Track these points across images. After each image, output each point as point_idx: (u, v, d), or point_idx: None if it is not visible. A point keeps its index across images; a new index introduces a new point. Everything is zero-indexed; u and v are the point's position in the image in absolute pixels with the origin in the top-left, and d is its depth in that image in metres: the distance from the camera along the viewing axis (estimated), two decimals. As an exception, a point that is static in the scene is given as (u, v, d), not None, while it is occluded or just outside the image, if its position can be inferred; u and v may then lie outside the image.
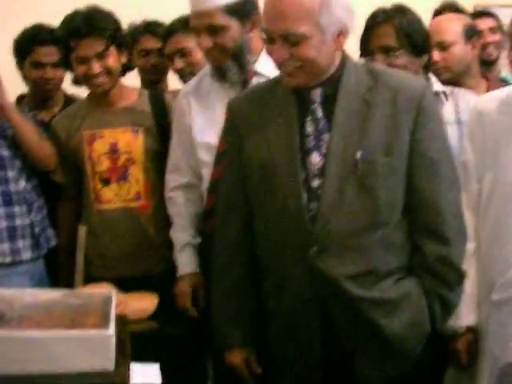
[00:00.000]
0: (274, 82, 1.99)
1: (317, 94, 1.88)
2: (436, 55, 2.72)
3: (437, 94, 2.52)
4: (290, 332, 1.95)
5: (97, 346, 1.64)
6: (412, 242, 1.92)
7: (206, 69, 2.48)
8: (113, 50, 2.54)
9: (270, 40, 1.82)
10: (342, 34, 1.83)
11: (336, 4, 1.78)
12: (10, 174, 2.56)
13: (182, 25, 2.78)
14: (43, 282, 2.65)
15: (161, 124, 2.60)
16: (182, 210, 2.52)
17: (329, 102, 1.88)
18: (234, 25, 2.28)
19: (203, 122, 2.43)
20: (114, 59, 2.55)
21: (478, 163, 2.07)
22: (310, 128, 1.88)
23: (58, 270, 2.77)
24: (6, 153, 2.56)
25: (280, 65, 1.85)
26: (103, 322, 1.74)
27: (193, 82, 2.53)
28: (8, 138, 2.59)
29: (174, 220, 2.54)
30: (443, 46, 2.76)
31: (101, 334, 1.66)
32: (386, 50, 2.41)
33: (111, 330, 1.68)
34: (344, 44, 1.87)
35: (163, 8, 3.40)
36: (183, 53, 2.85)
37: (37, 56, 2.91)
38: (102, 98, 2.63)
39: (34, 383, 1.60)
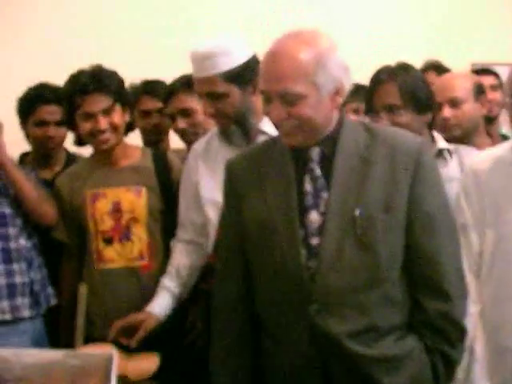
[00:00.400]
0: (272, 142, 2.00)
1: (315, 153, 1.88)
2: (447, 112, 2.73)
3: (441, 151, 2.53)
4: None
5: (97, 409, 1.62)
6: (412, 298, 1.90)
7: (215, 129, 2.51)
8: (118, 107, 2.57)
9: (268, 100, 1.83)
10: (338, 92, 1.83)
11: (332, 63, 1.79)
12: (11, 231, 2.56)
13: (184, 84, 2.80)
14: (42, 341, 2.63)
15: (164, 182, 2.61)
16: (174, 259, 2.52)
17: (327, 161, 1.87)
18: (234, 91, 2.31)
19: (210, 180, 2.43)
20: (119, 116, 2.57)
21: (478, 222, 2.05)
22: (308, 186, 1.88)
23: (58, 329, 2.74)
24: (7, 210, 2.57)
25: (278, 124, 1.85)
26: (104, 383, 1.72)
27: (202, 142, 2.55)
28: (10, 196, 2.60)
29: (166, 268, 2.54)
30: (455, 103, 2.75)
31: (102, 397, 1.64)
32: (390, 109, 2.43)
33: (112, 392, 1.65)
34: (340, 102, 1.87)
35: (164, 66, 3.42)
36: (186, 113, 2.85)
37: (40, 114, 2.95)
38: (105, 157, 2.64)
39: None
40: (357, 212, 1.82)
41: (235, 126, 2.35)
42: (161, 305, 2.46)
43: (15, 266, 2.55)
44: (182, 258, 2.52)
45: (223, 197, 2.05)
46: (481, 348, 2.01)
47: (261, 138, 2.35)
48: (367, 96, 2.51)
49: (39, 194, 2.65)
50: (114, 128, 2.56)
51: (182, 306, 2.68)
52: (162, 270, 2.59)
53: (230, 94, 2.30)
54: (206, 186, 2.44)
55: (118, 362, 2.15)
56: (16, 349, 2.02)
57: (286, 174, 1.90)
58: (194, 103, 2.76)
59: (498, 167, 2.05)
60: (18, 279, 2.55)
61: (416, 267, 1.88)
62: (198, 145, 2.56)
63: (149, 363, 2.38)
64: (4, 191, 2.59)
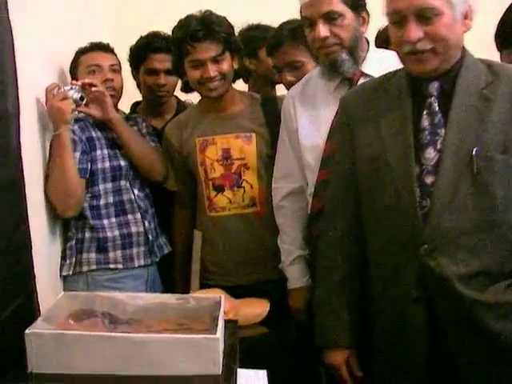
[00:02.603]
0: (386, 79, 1.97)
1: (434, 87, 1.83)
2: None
3: None
4: (394, 333, 1.89)
5: (203, 350, 1.64)
6: None
7: (313, 72, 2.45)
8: (227, 54, 2.54)
9: (401, 21, 1.77)
10: (467, 15, 1.79)
11: None
12: (123, 183, 2.61)
13: (290, 36, 2.69)
14: (157, 286, 2.68)
15: (273, 128, 2.56)
16: (291, 220, 2.48)
17: (446, 96, 1.83)
18: (349, 14, 2.23)
19: (309, 124, 2.38)
20: (228, 64, 2.55)
21: None
22: (425, 122, 1.83)
23: (172, 276, 2.79)
24: (122, 162, 2.61)
25: (410, 49, 1.78)
26: (211, 327, 1.73)
27: (299, 84, 2.49)
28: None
29: (283, 230, 2.50)
30: None
31: (207, 338, 1.65)
32: None
33: (218, 334, 1.66)
34: (470, 27, 1.81)
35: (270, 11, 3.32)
36: (294, 66, 2.74)
37: (151, 63, 2.96)
38: (213, 104, 2.63)
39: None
40: (474, 151, 1.76)
41: (346, 54, 2.26)
42: (305, 275, 2.46)
43: (130, 217, 2.60)
44: (298, 217, 2.47)
45: (335, 134, 2.03)
46: None
47: (362, 81, 2.27)
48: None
49: (148, 150, 2.68)
50: (222, 76, 2.53)
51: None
52: (272, 217, 2.57)
53: (346, 15, 2.22)
54: (305, 131, 2.38)
55: (230, 308, 2.19)
56: (130, 293, 2.07)
57: (402, 108, 1.87)
58: (302, 57, 2.69)
59: None
60: (133, 229, 2.60)
61: None
62: (294, 90, 2.49)
63: (259, 309, 2.39)
64: (118, 144, 2.63)
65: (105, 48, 2.68)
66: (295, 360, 2.31)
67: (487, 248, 1.78)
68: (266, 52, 2.78)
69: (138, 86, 3.11)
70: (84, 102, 2.46)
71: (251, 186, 2.60)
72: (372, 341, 1.97)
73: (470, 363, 1.80)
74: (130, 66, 3.05)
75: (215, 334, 1.66)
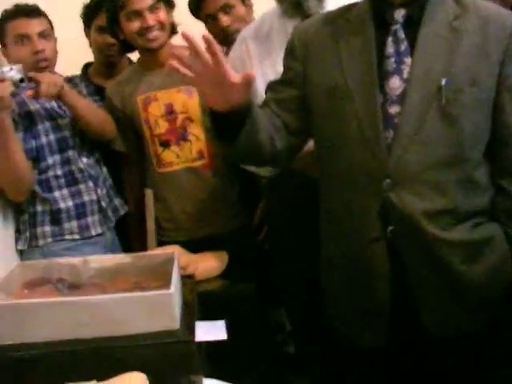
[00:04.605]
0: (347, 9, 1.85)
1: (400, 15, 1.74)
2: None
3: None
4: (353, 274, 1.82)
5: (158, 307, 1.64)
6: (495, 185, 1.78)
7: (266, 15, 2.41)
8: (162, 5, 2.52)
9: None
10: None
11: None
12: (71, 153, 2.56)
13: None
14: (115, 249, 2.66)
15: None
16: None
17: (412, 26, 1.74)
18: None
19: (265, 68, 2.32)
20: (164, 14, 2.52)
21: None
22: (390, 49, 1.73)
23: (129, 236, 2.78)
24: (67, 133, 2.56)
25: None
26: (166, 283, 1.73)
27: (249, 28, 2.45)
28: (68, 117, 2.58)
29: None
30: None
31: (161, 294, 1.65)
32: None
33: (172, 289, 1.67)
34: None
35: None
36: (226, 9, 2.71)
37: (101, 20, 2.86)
38: (152, 60, 2.59)
39: (99, 346, 1.62)
40: (443, 81, 1.68)
41: None
42: None
43: (81, 186, 2.57)
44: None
45: (283, 62, 1.92)
46: None
47: None
48: None
49: (97, 112, 2.63)
50: (161, 25, 2.51)
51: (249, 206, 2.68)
52: (223, 168, 2.58)
53: None
54: (262, 76, 2.29)
55: (187, 263, 2.20)
56: (83, 257, 2.06)
57: (365, 35, 1.76)
58: None
59: None
60: (86, 198, 2.57)
61: (502, 150, 1.76)
62: (246, 31, 2.45)
63: (218, 262, 2.39)
64: (62, 113, 2.58)
65: (31, 13, 2.54)
66: (256, 311, 2.33)
67: (453, 185, 1.72)
68: (191, 8, 2.76)
69: (91, 45, 3.04)
70: (24, 84, 2.36)
71: (198, 139, 2.58)
72: (326, 283, 1.94)
73: (432, 302, 1.76)
74: (83, 23, 3.00)
75: (169, 289, 1.67)
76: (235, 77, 1.63)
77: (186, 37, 1.57)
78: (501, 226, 1.78)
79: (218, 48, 1.60)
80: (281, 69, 1.94)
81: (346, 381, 2.04)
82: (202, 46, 1.59)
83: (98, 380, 1.52)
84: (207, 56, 1.59)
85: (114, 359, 1.59)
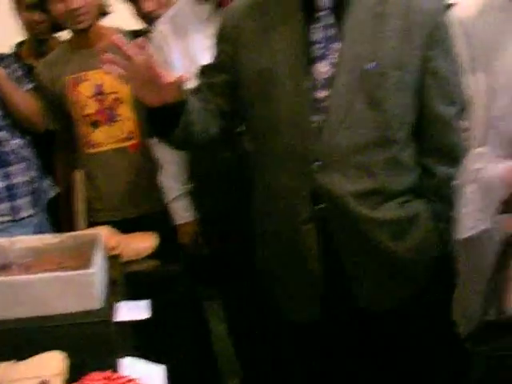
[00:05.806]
0: None
1: (327, 0, 1.75)
2: None
3: None
4: (285, 254, 1.86)
5: (80, 286, 1.64)
6: (421, 164, 1.84)
7: (178, 4, 2.42)
8: None
9: None
10: None
11: None
12: (2, 134, 2.53)
13: None
14: (46, 230, 2.63)
15: None
16: (172, 155, 2.44)
17: (339, 11, 1.75)
18: None
19: (185, 57, 2.34)
20: None
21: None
22: (320, 35, 1.76)
23: (59, 218, 2.77)
24: None
25: None
26: (89, 263, 1.74)
27: (166, 17, 2.43)
28: None
29: (163, 166, 2.50)
30: None
31: (82, 274, 1.65)
32: None
33: (94, 269, 1.67)
34: None
35: None
36: None
37: None
38: (82, 40, 2.57)
39: (23, 327, 1.61)
40: (368, 66, 1.72)
41: None
42: (189, 209, 2.50)
43: (13, 168, 2.54)
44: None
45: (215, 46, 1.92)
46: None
47: None
48: None
49: (28, 102, 2.61)
50: (87, 6, 2.48)
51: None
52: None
53: None
54: (179, 63, 2.34)
55: (116, 243, 2.19)
56: (9, 238, 2.05)
57: (293, 20, 1.78)
58: None
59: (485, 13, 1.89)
60: (17, 179, 2.55)
61: (426, 131, 1.82)
62: (161, 24, 2.43)
63: (147, 242, 2.39)
64: None
65: None
66: (186, 291, 2.35)
67: (381, 166, 1.77)
68: None
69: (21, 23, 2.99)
70: None
71: (128, 119, 2.57)
72: (259, 263, 1.97)
73: (362, 279, 1.81)
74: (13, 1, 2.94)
75: (91, 268, 1.67)
76: (167, 77, 1.64)
77: (117, 45, 1.59)
78: (427, 203, 1.84)
79: (150, 52, 1.61)
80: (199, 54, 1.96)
81: (282, 355, 2.08)
82: (133, 50, 1.60)
83: (18, 360, 1.51)
84: (139, 60, 1.60)
85: (33, 339, 1.58)
